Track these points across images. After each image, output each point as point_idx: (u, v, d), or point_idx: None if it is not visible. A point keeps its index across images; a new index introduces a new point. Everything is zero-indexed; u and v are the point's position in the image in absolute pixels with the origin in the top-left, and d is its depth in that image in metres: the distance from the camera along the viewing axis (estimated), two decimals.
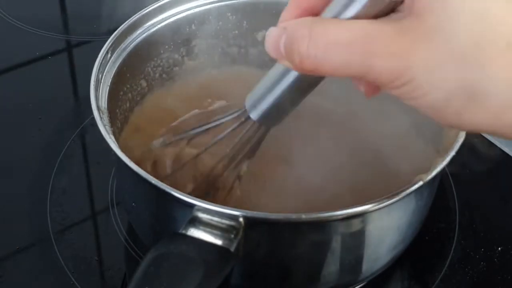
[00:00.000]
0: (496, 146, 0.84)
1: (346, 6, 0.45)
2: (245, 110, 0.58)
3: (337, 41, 0.43)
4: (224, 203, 0.55)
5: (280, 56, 0.46)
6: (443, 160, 0.58)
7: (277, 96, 0.54)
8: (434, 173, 0.57)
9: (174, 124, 0.78)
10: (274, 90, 0.54)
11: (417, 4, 0.42)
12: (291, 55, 0.45)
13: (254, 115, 0.57)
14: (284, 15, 0.49)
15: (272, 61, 0.76)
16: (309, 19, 0.46)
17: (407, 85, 0.42)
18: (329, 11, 0.46)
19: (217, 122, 0.64)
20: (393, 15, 0.44)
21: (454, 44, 0.41)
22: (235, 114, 0.60)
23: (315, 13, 0.48)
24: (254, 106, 0.57)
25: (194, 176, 0.68)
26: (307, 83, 0.52)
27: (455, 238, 0.75)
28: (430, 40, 0.41)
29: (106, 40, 0.69)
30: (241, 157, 0.64)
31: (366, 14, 0.44)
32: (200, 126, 0.66)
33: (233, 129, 0.61)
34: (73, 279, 0.70)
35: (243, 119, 0.59)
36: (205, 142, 0.66)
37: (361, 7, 0.44)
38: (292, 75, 0.51)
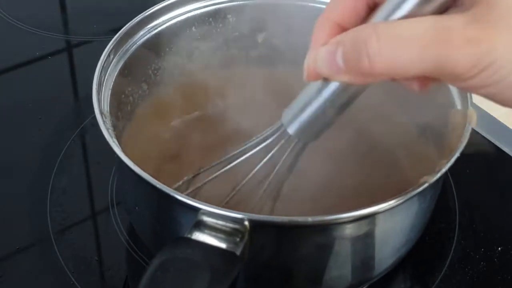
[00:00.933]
0: (496, 146, 0.84)
1: (398, 6, 0.44)
2: (281, 127, 0.57)
3: (407, 36, 0.42)
4: None
5: (337, 70, 0.45)
6: (447, 162, 0.58)
7: (316, 110, 0.53)
8: (438, 175, 0.57)
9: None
10: (312, 105, 0.53)
11: None
12: (357, 62, 0.44)
13: (293, 129, 0.56)
14: (317, 33, 0.49)
15: (272, 62, 0.76)
16: (367, 24, 0.46)
17: (487, 70, 0.42)
18: (382, 14, 0.45)
19: (250, 145, 0.62)
20: (451, 11, 0.44)
21: None
22: (269, 134, 0.59)
23: (347, 27, 0.47)
24: (293, 120, 0.55)
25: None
26: (346, 97, 0.51)
27: (455, 238, 0.75)
28: (508, 23, 0.42)
29: (106, 40, 0.69)
30: (278, 175, 0.63)
31: (422, 13, 0.44)
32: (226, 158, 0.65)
33: (270, 146, 0.60)
34: (73, 279, 0.70)
35: (278, 136, 0.58)
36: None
37: (415, 4, 0.43)
38: (332, 88, 0.50)
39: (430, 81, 0.47)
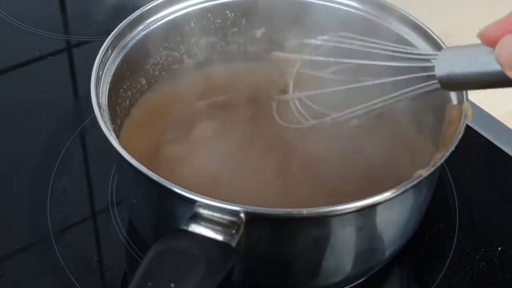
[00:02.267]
0: (496, 146, 0.84)
1: None
2: (433, 57, 0.58)
3: None
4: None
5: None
6: (442, 156, 0.58)
7: (473, 74, 0.54)
8: (433, 168, 0.57)
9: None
10: (473, 68, 0.54)
11: None
12: None
13: (441, 72, 0.57)
14: (497, 25, 0.50)
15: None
16: None
17: None
18: None
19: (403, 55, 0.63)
20: None
21: None
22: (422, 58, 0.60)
23: None
24: (446, 64, 0.56)
25: None
26: (506, 83, 0.52)
27: (455, 238, 0.75)
28: None
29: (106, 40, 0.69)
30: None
31: None
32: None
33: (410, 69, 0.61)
34: (73, 279, 0.70)
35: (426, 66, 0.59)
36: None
37: None
38: (497, 70, 0.51)
39: None
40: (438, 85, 0.58)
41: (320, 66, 0.67)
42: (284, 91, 0.71)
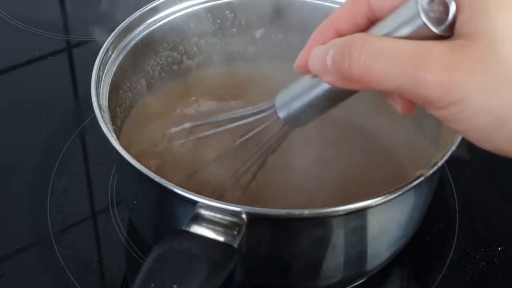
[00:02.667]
0: None
1: (397, 29, 0.45)
2: (273, 107, 0.59)
3: (389, 51, 0.43)
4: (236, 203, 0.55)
5: (324, 70, 0.48)
6: (443, 156, 0.58)
7: (308, 102, 0.55)
8: (435, 168, 0.57)
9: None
10: (305, 95, 0.55)
11: (467, 26, 0.42)
12: (340, 63, 0.46)
13: (283, 114, 0.58)
14: (316, 37, 0.52)
15: (270, 60, 0.76)
16: (362, 33, 0.47)
17: (455, 106, 0.42)
18: (378, 29, 0.47)
19: (242, 114, 0.64)
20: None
21: (509, 68, 0.41)
22: (262, 109, 0.61)
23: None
24: (284, 106, 0.57)
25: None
26: (338, 95, 0.53)
27: (455, 238, 0.75)
28: (483, 61, 0.41)
29: (106, 40, 0.69)
30: (260, 154, 0.64)
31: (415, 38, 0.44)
32: (220, 119, 0.67)
33: (257, 125, 0.62)
34: (73, 279, 0.70)
35: (269, 115, 0.60)
36: (222, 137, 0.67)
37: (411, 32, 0.45)
38: (322, 88, 0.53)
39: (412, 105, 0.49)
40: (290, 128, 0.60)
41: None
42: None
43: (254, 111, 0.62)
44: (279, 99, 0.58)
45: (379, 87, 0.45)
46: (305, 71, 0.52)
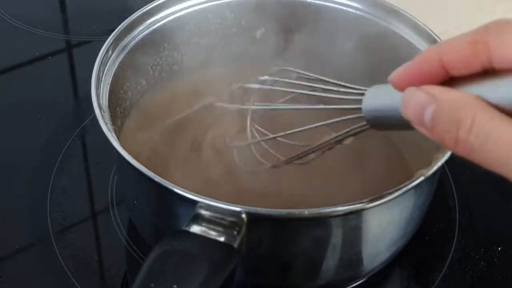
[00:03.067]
0: None
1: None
2: (361, 100, 0.55)
3: (500, 137, 0.40)
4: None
5: (420, 122, 0.45)
6: (443, 156, 0.58)
7: (394, 117, 0.50)
8: (435, 168, 0.57)
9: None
10: (393, 111, 0.50)
11: None
12: (442, 133, 0.43)
13: (367, 116, 0.55)
14: (419, 62, 0.47)
15: (270, 59, 0.76)
16: (472, 98, 0.42)
17: None
18: (492, 92, 0.42)
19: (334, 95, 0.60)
20: None
21: None
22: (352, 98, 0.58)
23: (450, 72, 0.45)
24: (370, 109, 0.54)
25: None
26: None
27: (455, 238, 0.75)
28: None
29: (106, 40, 0.69)
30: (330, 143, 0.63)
31: None
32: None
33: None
34: (73, 279, 0.70)
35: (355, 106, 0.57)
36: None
37: None
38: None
39: None
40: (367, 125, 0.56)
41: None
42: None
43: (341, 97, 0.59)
44: (368, 99, 0.55)
45: (485, 167, 0.43)
46: (398, 89, 0.48)
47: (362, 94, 0.55)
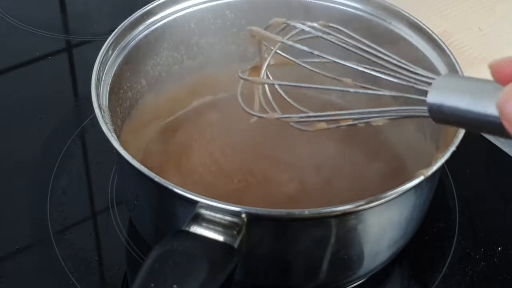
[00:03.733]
0: (496, 146, 0.84)
1: None
2: (428, 84, 0.50)
3: None
4: None
5: None
6: (443, 156, 0.58)
7: (472, 112, 0.46)
8: (434, 168, 0.57)
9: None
10: (474, 103, 0.46)
11: None
12: None
13: (432, 100, 0.48)
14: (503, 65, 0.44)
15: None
16: None
17: None
18: None
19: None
20: None
21: None
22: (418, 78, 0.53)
23: None
24: (439, 94, 0.48)
25: None
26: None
27: (455, 238, 0.75)
28: None
29: (106, 40, 0.69)
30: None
31: None
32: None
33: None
34: (73, 279, 0.70)
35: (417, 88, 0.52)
36: None
37: None
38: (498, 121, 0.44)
39: None
40: (426, 113, 0.50)
41: (301, 55, 0.62)
42: (256, 68, 0.68)
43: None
44: (441, 83, 0.49)
45: None
46: (497, 78, 0.44)
47: (423, 82, 0.51)
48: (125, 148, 0.58)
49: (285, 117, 0.61)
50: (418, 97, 0.51)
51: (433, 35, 0.70)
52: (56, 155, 0.82)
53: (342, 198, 0.57)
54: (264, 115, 0.62)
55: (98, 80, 0.65)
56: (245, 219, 0.53)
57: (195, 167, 0.73)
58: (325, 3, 0.77)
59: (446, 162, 0.59)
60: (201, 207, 0.54)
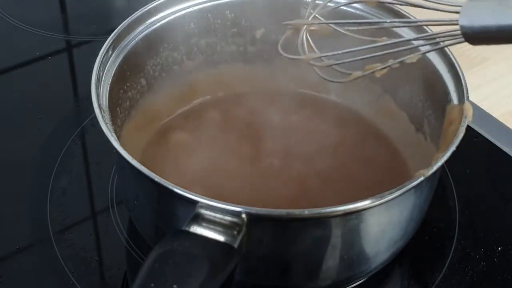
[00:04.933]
0: (496, 146, 0.84)
1: None
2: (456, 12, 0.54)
3: None
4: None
5: None
6: (443, 156, 0.58)
7: (502, 26, 0.50)
8: (435, 168, 0.57)
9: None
10: (501, 19, 0.50)
11: None
12: None
13: (464, 22, 0.53)
14: None
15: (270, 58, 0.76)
16: None
17: None
18: None
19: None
20: None
21: None
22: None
23: None
24: (470, 14, 0.53)
25: None
26: None
27: (455, 238, 0.75)
28: None
29: (106, 40, 0.69)
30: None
31: None
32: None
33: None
34: (73, 279, 0.70)
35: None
36: None
37: None
38: None
39: None
40: (460, 37, 0.54)
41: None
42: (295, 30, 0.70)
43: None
44: (470, 6, 0.53)
45: None
46: None
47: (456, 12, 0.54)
48: (125, 148, 0.58)
49: (325, 56, 0.65)
50: (450, 22, 0.55)
51: (433, 35, 0.70)
52: (56, 155, 0.82)
53: (342, 198, 0.57)
54: (303, 57, 0.66)
55: (98, 80, 0.65)
56: (245, 219, 0.53)
57: (195, 167, 0.73)
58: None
59: (446, 162, 0.59)
60: (201, 207, 0.54)
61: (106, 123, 0.60)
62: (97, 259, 0.73)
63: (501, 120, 0.87)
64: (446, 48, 0.67)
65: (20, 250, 0.73)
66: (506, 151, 0.83)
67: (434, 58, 0.69)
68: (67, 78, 0.95)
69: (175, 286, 0.48)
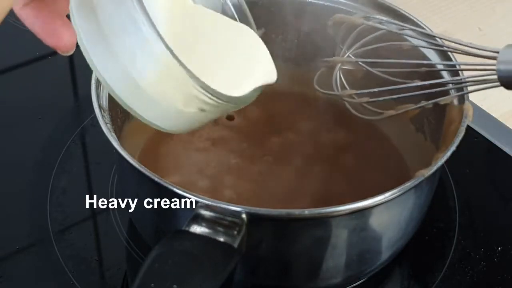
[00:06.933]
0: (496, 146, 0.84)
1: None
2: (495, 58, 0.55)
3: None
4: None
5: None
6: (443, 156, 0.58)
7: None
8: (435, 168, 0.57)
9: None
10: None
11: None
12: None
13: (503, 66, 0.54)
14: None
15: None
16: None
17: None
18: None
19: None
20: None
21: None
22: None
23: None
24: (509, 59, 0.53)
25: None
26: None
27: (455, 238, 0.75)
28: None
29: None
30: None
31: None
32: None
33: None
34: (73, 279, 0.70)
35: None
36: None
37: None
38: None
39: None
40: (497, 83, 0.55)
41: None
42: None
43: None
44: (504, 54, 0.53)
45: None
46: None
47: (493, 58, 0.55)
48: (125, 148, 0.58)
49: (360, 93, 0.66)
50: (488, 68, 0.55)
51: (433, 35, 0.70)
52: (56, 155, 0.82)
53: (341, 198, 0.57)
54: (339, 93, 0.67)
55: (98, 80, 0.65)
56: (245, 219, 0.53)
57: (195, 167, 0.72)
58: (326, 3, 0.77)
59: (446, 162, 0.59)
60: (201, 207, 0.54)
61: (106, 123, 0.60)
62: (97, 259, 0.73)
63: (501, 120, 0.87)
64: (446, 48, 0.67)
65: (20, 250, 0.73)
66: (506, 151, 0.83)
67: (434, 58, 0.69)
68: (67, 78, 0.95)
69: (175, 286, 0.48)
